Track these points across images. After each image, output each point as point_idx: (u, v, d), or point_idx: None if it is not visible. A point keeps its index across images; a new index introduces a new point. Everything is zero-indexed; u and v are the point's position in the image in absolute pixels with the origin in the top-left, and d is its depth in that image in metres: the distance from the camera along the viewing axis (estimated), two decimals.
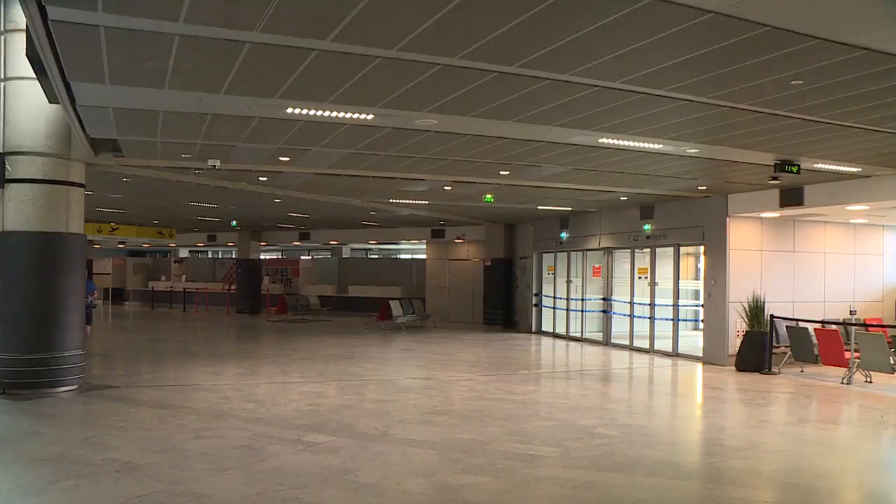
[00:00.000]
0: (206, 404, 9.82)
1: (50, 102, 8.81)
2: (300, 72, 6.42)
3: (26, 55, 7.41)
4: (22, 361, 10.10)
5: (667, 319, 16.53)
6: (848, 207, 12.93)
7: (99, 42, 5.72)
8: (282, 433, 8.13)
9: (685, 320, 17.38)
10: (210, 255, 42.18)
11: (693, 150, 9.90)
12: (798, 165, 10.56)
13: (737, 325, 14.44)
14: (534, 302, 22.15)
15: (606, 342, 18.68)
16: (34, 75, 8.07)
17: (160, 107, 7.95)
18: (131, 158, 11.21)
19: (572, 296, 20.32)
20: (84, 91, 7.30)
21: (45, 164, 10.29)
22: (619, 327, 18.41)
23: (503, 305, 24.07)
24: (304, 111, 7.85)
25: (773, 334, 13.83)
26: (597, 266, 19.63)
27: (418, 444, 7.77)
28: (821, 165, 10.75)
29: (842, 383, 12.27)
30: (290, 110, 7.82)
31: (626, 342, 17.76)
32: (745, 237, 14.82)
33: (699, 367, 14.64)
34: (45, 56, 6.28)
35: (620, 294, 18.47)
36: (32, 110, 10.13)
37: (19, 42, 9.51)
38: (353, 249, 37.30)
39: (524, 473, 6.68)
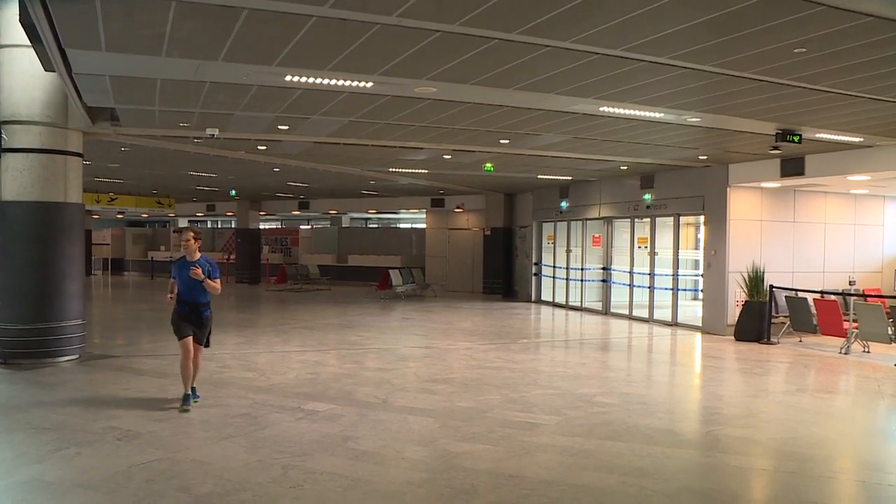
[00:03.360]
0: (207, 373, 9.84)
1: (45, 70, 8.73)
2: (299, 39, 6.36)
3: (20, 21, 7.32)
4: (22, 331, 10.12)
5: (666, 289, 16.56)
6: (849, 177, 12.88)
7: (94, 8, 5.65)
8: (282, 401, 8.17)
9: (685, 290, 17.41)
10: (209, 225, 42.15)
11: (694, 119, 9.83)
12: (799, 135, 10.51)
13: (736, 295, 14.47)
14: (533, 271, 22.18)
15: (606, 311, 18.73)
16: (29, 42, 7.99)
17: (158, 74, 7.88)
18: (129, 127, 11.15)
19: (572, 265, 20.33)
20: (80, 58, 7.23)
21: (41, 133, 10.23)
22: (619, 297, 18.46)
23: (503, 274, 24.09)
24: (303, 79, 7.79)
25: (773, 304, 13.87)
26: (596, 235, 19.62)
27: (418, 412, 7.81)
28: (822, 135, 10.69)
29: (840, 353, 12.32)
30: (288, 78, 7.76)
31: (626, 311, 17.81)
32: (746, 207, 14.79)
33: (698, 336, 14.69)
34: (40, 22, 6.21)
35: (620, 263, 18.48)
36: (28, 79, 10.03)
37: (13, 8, 9.39)
38: (352, 219, 37.26)
39: (523, 441, 6.72)
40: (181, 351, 7.83)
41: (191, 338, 7.79)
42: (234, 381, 9.39)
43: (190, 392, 7.86)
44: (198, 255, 7.91)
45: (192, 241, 7.85)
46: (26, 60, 9.73)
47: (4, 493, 5.21)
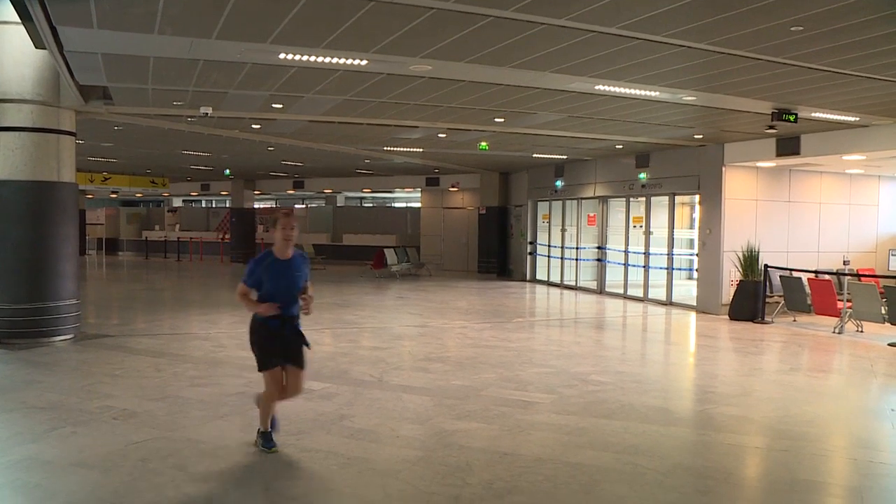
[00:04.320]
0: (202, 352, 9.87)
1: (36, 48, 8.65)
2: (293, 15, 6.30)
3: None
4: (17, 311, 10.10)
5: (661, 268, 16.58)
6: (844, 157, 12.85)
7: None
8: None
9: (679, 269, 17.42)
10: (204, 205, 42.05)
11: (690, 98, 9.80)
12: (795, 114, 10.49)
13: (731, 275, 14.50)
14: (528, 250, 22.18)
15: (601, 291, 18.76)
16: (19, 19, 7.91)
17: (150, 52, 7.81)
18: (122, 106, 11.08)
19: (567, 244, 20.34)
20: (71, 36, 7.16)
21: (33, 111, 10.14)
22: (614, 276, 18.49)
23: (498, 254, 24.09)
24: (297, 57, 7.73)
25: (767, 284, 13.90)
26: (592, 214, 19.61)
27: (413, 390, 7.84)
28: (818, 114, 10.66)
29: (834, 333, 12.37)
30: (282, 56, 7.70)
31: (621, 291, 17.85)
32: (741, 186, 14.78)
33: (693, 315, 14.73)
34: None
35: (615, 243, 18.49)
36: (18, 56, 9.93)
37: None
38: (347, 198, 37.20)
39: (518, 419, 6.75)
40: (267, 385, 5.63)
41: (280, 368, 5.64)
42: (229, 360, 9.40)
43: (270, 429, 5.79)
44: (292, 251, 5.66)
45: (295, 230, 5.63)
46: (17, 37, 9.63)
47: (1, 471, 5.23)
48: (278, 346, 5.56)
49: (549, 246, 21.23)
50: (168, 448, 5.75)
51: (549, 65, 8.02)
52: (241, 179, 29.31)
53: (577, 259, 19.93)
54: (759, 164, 14.48)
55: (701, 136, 13.76)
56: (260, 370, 5.61)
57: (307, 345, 5.62)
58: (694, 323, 13.87)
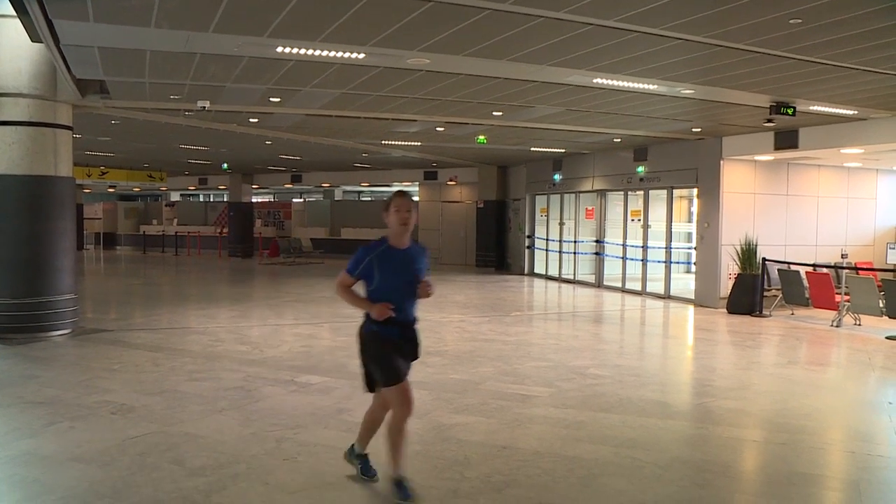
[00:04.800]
0: (200, 347, 9.86)
1: (32, 41, 8.61)
2: (290, 9, 6.28)
3: None
4: (14, 306, 10.08)
5: (659, 262, 16.57)
6: (842, 151, 12.86)
7: None
8: (275, 374, 8.18)
9: (677, 263, 17.44)
10: (202, 199, 41.99)
11: (688, 91, 9.79)
12: (794, 107, 10.47)
13: (729, 268, 14.51)
14: (526, 244, 22.18)
15: (599, 284, 18.77)
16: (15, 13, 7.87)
17: (147, 46, 7.79)
18: (119, 100, 11.04)
19: (565, 238, 20.34)
20: (67, 29, 7.13)
21: (30, 105, 10.10)
22: (612, 269, 18.49)
23: (496, 247, 24.09)
24: (295, 50, 7.72)
25: (765, 277, 13.90)
26: (590, 208, 19.61)
27: (411, 384, 7.81)
28: (816, 108, 10.65)
29: (831, 326, 12.38)
30: (280, 49, 7.68)
31: (619, 284, 17.85)
32: (739, 180, 14.78)
33: (691, 309, 14.74)
34: None
35: (613, 236, 18.49)
36: (15, 50, 9.89)
37: None
38: (345, 192, 37.15)
39: (516, 413, 6.75)
40: (394, 405, 4.71)
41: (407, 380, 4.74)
42: (227, 354, 9.39)
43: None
44: (409, 239, 4.88)
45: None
46: (13, 31, 9.58)
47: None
48: (401, 354, 4.70)
49: (547, 240, 21.22)
50: (166, 442, 5.74)
51: (548, 58, 8.00)
52: (238, 173, 29.27)
53: (575, 253, 19.94)
54: (758, 157, 14.47)
55: (699, 130, 13.74)
56: (385, 385, 4.64)
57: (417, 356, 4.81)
58: (692, 316, 13.88)
